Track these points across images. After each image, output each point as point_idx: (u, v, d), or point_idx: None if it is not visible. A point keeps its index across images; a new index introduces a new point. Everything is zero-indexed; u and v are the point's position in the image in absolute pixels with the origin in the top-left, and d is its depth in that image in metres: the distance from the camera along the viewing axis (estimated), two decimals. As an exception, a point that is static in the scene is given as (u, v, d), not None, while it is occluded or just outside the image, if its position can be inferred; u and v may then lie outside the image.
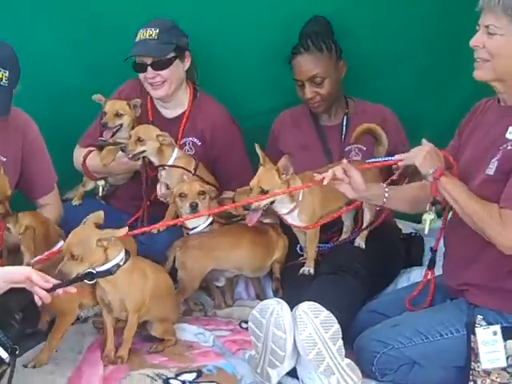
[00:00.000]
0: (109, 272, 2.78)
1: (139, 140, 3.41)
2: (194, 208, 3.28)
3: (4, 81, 3.01)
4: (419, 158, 2.60)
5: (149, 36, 3.52)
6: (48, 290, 2.53)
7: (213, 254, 3.28)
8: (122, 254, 2.82)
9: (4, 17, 3.78)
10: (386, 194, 2.87)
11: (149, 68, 3.55)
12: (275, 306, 2.60)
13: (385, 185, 2.91)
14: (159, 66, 3.54)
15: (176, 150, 3.50)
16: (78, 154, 3.75)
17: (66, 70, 3.92)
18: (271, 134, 3.71)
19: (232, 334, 3.16)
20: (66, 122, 3.94)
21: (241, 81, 3.89)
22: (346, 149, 3.55)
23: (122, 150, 3.44)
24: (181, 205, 3.32)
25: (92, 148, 3.71)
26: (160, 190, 3.50)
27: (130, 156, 3.43)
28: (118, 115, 3.56)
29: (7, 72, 3.01)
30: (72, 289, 2.64)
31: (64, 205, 3.60)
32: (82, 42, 3.89)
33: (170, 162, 3.49)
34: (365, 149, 3.51)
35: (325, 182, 2.76)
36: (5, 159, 3.21)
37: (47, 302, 2.55)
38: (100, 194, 3.77)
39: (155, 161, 3.49)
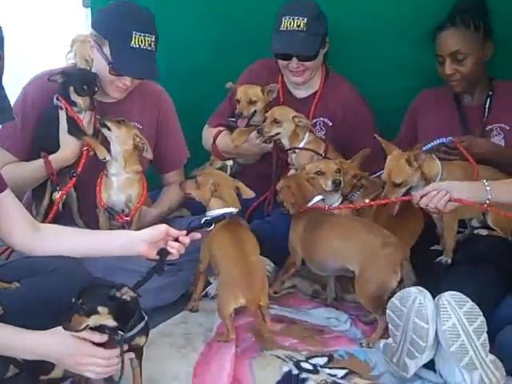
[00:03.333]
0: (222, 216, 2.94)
1: (275, 122, 3.38)
2: (336, 185, 3.23)
3: (152, 46, 3.06)
4: None
5: (297, 27, 3.44)
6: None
7: None
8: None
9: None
10: (488, 188, 2.77)
11: (294, 59, 3.50)
12: (417, 295, 2.53)
13: (484, 181, 2.82)
14: (307, 58, 3.50)
15: (307, 132, 3.45)
16: (208, 133, 3.76)
17: (196, 47, 3.95)
18: (410, 112, 3.61)
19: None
20: (196, 99, 3.95)
21: (371, 60, 3.81)
22: (487, 128, 3.42)
23: (259, 132, 3.40)
24: (318, 183, 3.24)
25: (222, 128, 3.71)
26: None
27: (266, 137, 3.40)
28: (251, 102, 3.53)
29: (153, 37, 3.05)
30: (197, 235, 2.67)
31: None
32: (213, 19, 3.91)
33: (301, 145, 3.45)
34: (508, 128, 3.38)
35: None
36: (141, 127, 3.27)
37: (182, 252, 2.60)
38: (228, 174, 3.78)
39: (286, 143, 3.46)
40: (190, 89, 3.95)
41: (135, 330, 2.41)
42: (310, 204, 3.14)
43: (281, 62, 3.58)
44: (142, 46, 3.02)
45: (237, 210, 3.04)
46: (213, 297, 3.25)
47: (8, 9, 4.55)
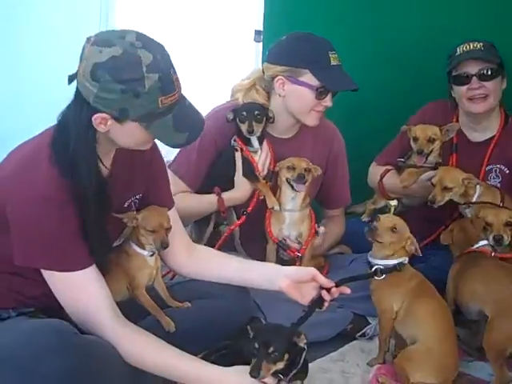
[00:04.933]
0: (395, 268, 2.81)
1: (446, 189, 3.26)
2: (497, 241, 3.00)
3: (340, 61, 3.17)
4: None
5: (473, 47, 3.39)
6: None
7: None
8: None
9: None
10: None
11: (474, 78, 3.39)
12: None
13: None
14: (486, 76, 3.38)
15: (478, 186, 3.30)
16: (375, 171, 3.71)
17: (366, 86, 3.90)
18: None
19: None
20: (362, 135, 3.95)
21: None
22: None
23: (431, 202, 3.25)
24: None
25: (389, 167, 3.65)
26: None
27: (436, 206, 3.26)
28: (430, 140, 3.44)
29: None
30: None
31: (348, 217, 3.65)
32: (386, 55, 3.91)
33: (474, 199, 3.30)
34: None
35: None
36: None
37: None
38: (391, 213, 3.68)
39: (459, 200, 3.32)
40: (357, 126, 3.95)
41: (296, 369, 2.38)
42: (474, 247, 3.03)
43: (459, 89, 3.45)
44: (337, 63, 3.14)
45: (407, 258, 2.89)
46: (370, 337, 3.16)
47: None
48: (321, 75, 3.12)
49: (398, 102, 3.87)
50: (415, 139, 3.46)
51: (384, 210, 3.70)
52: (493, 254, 3.00)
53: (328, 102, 3.18)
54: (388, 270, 2.82)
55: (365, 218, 3.68)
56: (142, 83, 2.11)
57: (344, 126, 3.60)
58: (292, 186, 3.17)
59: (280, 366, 2.31)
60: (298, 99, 3.18)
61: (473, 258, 3.03)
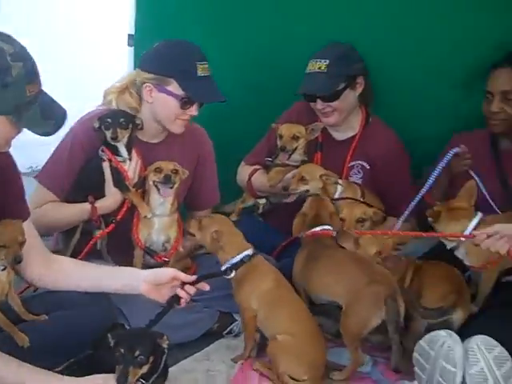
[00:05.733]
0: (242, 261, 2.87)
1: (302, 179, 3.37)
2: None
3: (210, 71, 3.22)
4: None
5: (318, 69, 3.48)
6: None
7: None
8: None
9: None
10: None
11: (318, 100, 3.53)
12: (446, 339, 2.48)
13: None
14: (328, 98, 3.51)
15: (339, 185, 3.43)
16: (244, 171, 3.78)
17: (235, 88, 3.98)
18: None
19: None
20: (231, 138, 3.98)
21: (408, 104, 3.77)
22: None
23: (284, 189, 3.40)
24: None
25: (258, 167, 3.73)
26: None
27: (292, 194, 3.40)
28: (294, 138, 3.55)
29: (207, 63, 3.19)
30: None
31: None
32: (251, 60, 3.96)
33: (337, 196, 3.42)
34: None
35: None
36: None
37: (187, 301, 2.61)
38: (259, 212, 3.77)
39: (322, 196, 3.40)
40: (226, 128, 3.98)
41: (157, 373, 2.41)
42: (318, 229, 3.13)
43: (311, 104, 3.59)
44: (205, 74, 3.17)
45: (252, 251, 2.96)
46: (236, 334, 3.23)
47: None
48: (186, 85, 3.14)
49: (266, 103, 3.93)
50: (280, 137, 3.56)
51: (252, 208, 3.80)
52: (334, 234, 3.11)
53: (193, 111, 3.21)
54: (235, 267, 2.88)
55: (234, 218, 3.71)
56: (9, 72, 2.16)
57: (213, 127, 3.64)
58: (159, 190, 3.17)
59: (145, 369, 2.33)
60: (163, 107, 3.20)
61: (321, 246, 3.09)
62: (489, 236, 2.73)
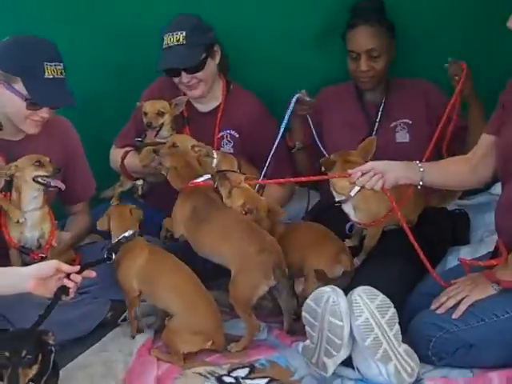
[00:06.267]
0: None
1: (174, 146, 3.34)
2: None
3: (63, 73, 3.05)
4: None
5: (176, 41, 3.44)
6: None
7: None
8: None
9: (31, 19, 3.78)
10: (421, 169, 2.83)
11: (183, 73, 3.49)
12: (330, 294, 2.53)
13: (418, 162, 2.88)
14: (193, 70, 3.48)
15: (214, 157, 3.41)
16: (115, 154, 3.72)
17: (92, 72, 3.91)
18: (313, 112, 3.55)
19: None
20: (97, 122, 3.95)
21: (268, 69, 3.79)
22: (392, 124, 3.50)
23: (155, 152, 3.35)
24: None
25: (129, 148, 3.68)
26: None
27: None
28: (159, 114, 3.51)
29: (62, 64, 3.04)
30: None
31: (99, 203, 3.69)
32: (106, 43, 3.87)
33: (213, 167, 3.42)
34: (410, 122, 3.48)
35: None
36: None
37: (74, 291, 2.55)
38: (139, 193, 3.75)
39: (200, 169, 3.35)
40: (93, 113, 3.92)
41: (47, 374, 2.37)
42: (199, 180, 3.15)
43: (175, 79, 3.56)
44: (55, 76, 3.00)
45: (133, 231, 2.97)
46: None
47: None
48: (31, 87, 2.98)
49: (129, 84, 3.87)
50: (145, 114, 3.52)
51: (131, 190, 3.76)
52: (215, 185, 3.14)
53: (44, 113, 3.06)
54: (114, 249, 2.85)
55: (114, 202, 3.67)
56: None
57: (79, 116, 3.55)
58: (43, 185, 3.06)
59: (35, 369, 2.28)
60: (11, 106, 3.05)
61: (207, 202, 3.10)
62: (363, 174, 2.83)
